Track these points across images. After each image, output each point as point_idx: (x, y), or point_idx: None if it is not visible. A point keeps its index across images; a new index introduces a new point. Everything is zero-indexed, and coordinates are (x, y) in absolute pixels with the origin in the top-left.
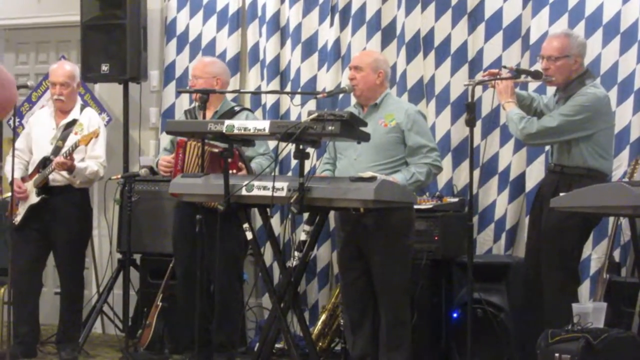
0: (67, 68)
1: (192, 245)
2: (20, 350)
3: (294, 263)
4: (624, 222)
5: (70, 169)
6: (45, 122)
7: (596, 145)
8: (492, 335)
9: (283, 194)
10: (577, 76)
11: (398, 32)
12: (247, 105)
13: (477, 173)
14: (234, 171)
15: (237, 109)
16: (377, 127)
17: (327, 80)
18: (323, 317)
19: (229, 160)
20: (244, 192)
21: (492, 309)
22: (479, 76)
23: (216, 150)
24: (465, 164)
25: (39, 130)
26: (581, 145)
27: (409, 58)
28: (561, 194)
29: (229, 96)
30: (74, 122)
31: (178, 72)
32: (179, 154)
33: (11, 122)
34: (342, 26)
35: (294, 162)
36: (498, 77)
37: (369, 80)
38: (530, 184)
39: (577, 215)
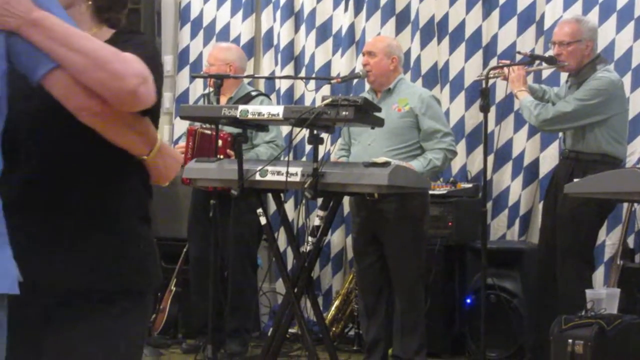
0: None
1: (206, 230)
2: None
3: (308, 248)
4: (639, 208)
5: None
6: None
7: (611, 130)
8: (506, 321)
9: (297, 179)
10: (589, 61)
11: (412, 17)
12: (261, 90)
13: (491, 159)
14: (221, 156)
15: (253, 93)
16: (391, 112)
17: (341, 66)
18: (337, 302)
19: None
20: (257, 177)
21: (505, 294)
22: (492, 65)
23: (208, 132)
24: (479, 150)
25: None
26: (596, 130)
27: (423, 43)
28: (575, 180)
29: (247, 81)
30: None
31: (192, 57)
32: (189, 142)
33: None
34: (357, 11)
35: (308, 147)
36: (511, 64)
37: (382, 65)
38: (544, 169)
39: (592, 202)
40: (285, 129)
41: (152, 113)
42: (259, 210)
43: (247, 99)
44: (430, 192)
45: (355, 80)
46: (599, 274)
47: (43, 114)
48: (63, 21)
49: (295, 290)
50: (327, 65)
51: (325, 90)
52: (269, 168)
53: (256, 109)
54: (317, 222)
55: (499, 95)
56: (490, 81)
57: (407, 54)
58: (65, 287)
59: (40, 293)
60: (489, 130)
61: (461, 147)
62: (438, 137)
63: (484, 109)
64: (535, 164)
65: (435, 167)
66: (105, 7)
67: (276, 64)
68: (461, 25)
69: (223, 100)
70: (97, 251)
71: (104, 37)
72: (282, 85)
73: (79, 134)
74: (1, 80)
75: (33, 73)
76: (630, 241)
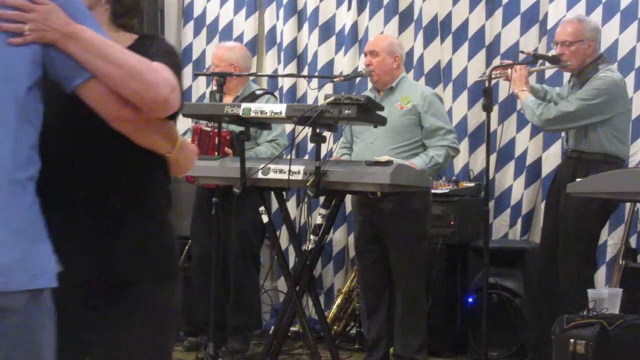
0: None
1: (209, 228)
2: None
3: (310, 246)
4: None
5: None
6: None
7: (614, 130)
8: (507, 321)
9: (299, 177)
10: (591, 61)
11: (415, 16)
12: (262, 87)
13: (493, 158)
14: (216, 154)
15: (259, 92)
16: (393, 109)
17: (344, 64)
18: (338, 300)
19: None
20: (260, 175)
21: (507, 294)
22: (495, 64)
23: (208, 129)
24: (482, 149)
25: None
26: (599, 130)
27: (426, 42)
28: (578, 180)
29: (252, 79)
30: None
31: (195, 55)
32: (194, 141)
33: None
34: (360, 10)
35: (310, 146)
36: (514, 63)
37: (385, 64)
38: (547, 169)
39: (595, 201)
40: (287, 127)
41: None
42: (261, 209)
43: (252, 97)
44: (433, 191)
45: (357, 79)
46: (601, 274)
47: (77, 118)
48: (98, 34)
49: (297, 288)
50: (330, 64)
51: (328, 88)
52: (272, 166)
53: (259, 107)
54: (319, 220)
55: (502, 94)
56: (493, 80)
57: (410, 52)
58: (107, 278)
59: (82, 285)
60: (492, 129)
61: (464, 146)
62: (440, 135)
63: (487, 108)
64: (538, 163)
65: (437, 164)
66: (122, 13)
67: (279, 62)
68: (464, 24)
69: (229, 99)
70: (136, 242)
71: (125, 42)
72: (285, 83)
73: (111, 136)
74: (37, 85)
75: (69, 82)
76: (633, 241)
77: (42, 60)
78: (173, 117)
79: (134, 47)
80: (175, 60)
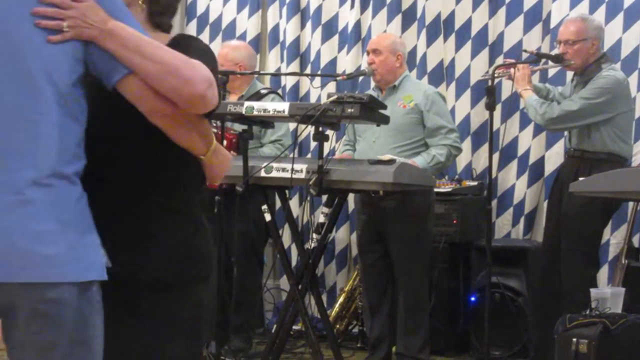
0: None
1: (212, 227)
2: None
3: (312, 245)
4: None
5: None
6: None
7: (617, 129)
8: (510, 320)
9: (302, 175)
10: (594, 60)
11: (418, 14)
12: (267, 86)
13: (496, 157)
14: None
15: (264, 91)
16: (396, 108)
17: (347, 63)
18: (341, 299)
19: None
20: (262, 173)
21: (510, 293)
22: (498, 63)
23: (214, 130)
24: (485, 148)
25: None
26: (602, 129)
27: (429, 41)
28: (581, 179)
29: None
30: None
31: None
32: None
33: None
34: (363, 8)
35: (313, 144)
36: (517, 62)
37: (388, 63)
38: (550, 168)
39: (598, 200)
40: (291, 126)
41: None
42: (264, 207)
43: (257, 96)
44: (435, 189)
45: (360, 78)
46: (603, 273)
47: (114, 115)
48: (135, 30)
49: (300, 287)
50: (333, 62)
51: (331, 87)
52: (274, 165)
53: (262, 106)
54: (321, 219)
55: (505, 93)
56: (496, 79)
57: (413, 51)
58: (148, 277)
59: (123, 283)
60: (495, 128)
61: (466, 145)
62: (442, 134)
63: (490, 107)
64: (541, 162)
65: (439, 162)
66: (158, 12)
67: (282, 61)
68: (467, 23)
69: (234, 98)
70: (175, 243)
71: (161, 41)
72: (288, 81)
73: (143, 136)
74: (80, 82)
75: (108, 78)
76: (635, 240)
77: (83, 57)
78: (209, 115)
79: (170, 46)
80: (210, 59)
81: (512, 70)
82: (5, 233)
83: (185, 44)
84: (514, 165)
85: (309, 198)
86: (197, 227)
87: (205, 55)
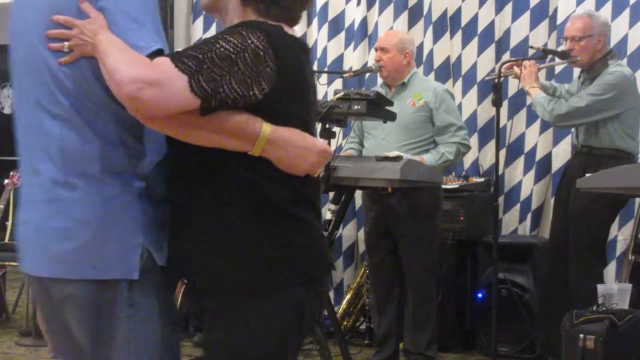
0: None
1: None
2: None
3: None
4: None
5: None
6: None
7: (624, 125)
8: (517, 316)
9: None
10: (601, 56)
11: (425, 11)
12: None
13: (503, 153)
14: None
15: None
16: (405, 106)
17: (353, 60)
18: (348, 296)
19: None
20: None
21: (517, 289)
22: (505, 62)
23: None
24: (492, 144)
25: None
26: (609, 125)
27: (436, 38)
28: (587, 175)
29: None
30: None
31: None
32: None
33: None
34: (369, 5)
35: None
36: (523, 58)
37: (396, 61)
38: (557, 164)
39: (605, 196)
40: None
41: (246, 106)
42: None
43: None
44: (442, 186)
45: (367, 74)
46: (610, 269)
47: None
48: (111, 38)
49: None
50: (339, 59)
51: (338, 84)
52: None
53: None
54: (328, 215)
55: (512, 89)
56: (503, 78)
57: (420, 48)
58: (223, 286)
59: (197, 289)
60: (501, 124)
61: (473, 142)
62: (452, 131)
63: (497, 104)
64: (548, 158)
65: (448, 160)
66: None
67: None
68: (474, 20)
69: None
70: (207, 244)
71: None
72: None
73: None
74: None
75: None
76: None
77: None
78: (206, 110)
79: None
80: (207, 47)
81: (516, 69)
82: (34, 230)
83: (225, 31)
84: (520, 162)
85: None
86: (286, 230)
87: (206, 44)
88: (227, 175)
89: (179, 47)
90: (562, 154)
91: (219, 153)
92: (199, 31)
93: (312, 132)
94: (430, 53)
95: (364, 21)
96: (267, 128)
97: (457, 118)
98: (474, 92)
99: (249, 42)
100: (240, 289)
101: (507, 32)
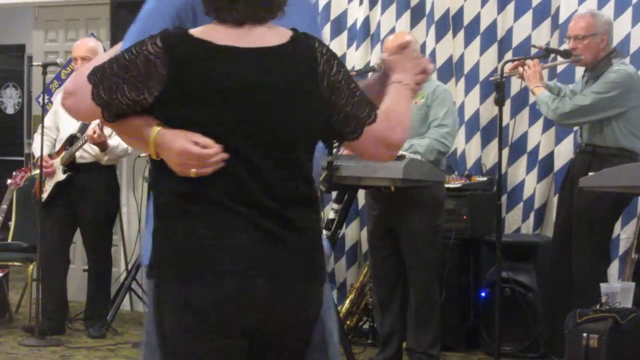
0: (89, 43)
1: None
2: (49, 326)
3: None
4: None
5: (104, 145)
6: None
7: (628, 124)
8: (520, 315)
9: None
10: (605, 55)
11: (427, 10)
12: None
13: (506, 152)
14: None
15: None
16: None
17: (356, 59)
18: (351, 295)
19: None
20: None
21: (520, 288)
22: (507, 63)
23: None
24: (494, 143)
25: None
26: (613, 124)
27: (438, 37)
28: (591, 174)
29: None
30: None
31: None
32: None
33: (40, 99)
34: (372, 4)
35: None
36: (526, 58)
37: None
38: (559, 163)
39: (608, 195)
40: None
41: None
42: None
43: None
44: (445, 185)
45: (370, 74)
46: (613, 268)
47: None
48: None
49: None
50: (342, 59)
51: None
52: None
53: None
54: (331, 215)
55: (514, 88)
56: (506, 78)
57: (422, 47)
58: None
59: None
60: (504, 123)
61: (476, 141)
62: (432, 126)
63: (499, 103)
64: (550, 157)
65: (417, 153)
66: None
67: None
68: (476, 19)
69: None
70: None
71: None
72: None
73: None
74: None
75: None
76: None
77: None
78: (110, 117)
79: None
80: (115, 57)
81: (520, 69)
82: None
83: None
84: (523, 161)
85: (318, 194)
86: (167, 226)
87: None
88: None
89: None
90: (564, 152)
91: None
92: None
93: (220, 137)
94: (433, 52)
95: (367, 20)
96: (154, 131)
97: (447, 117)
98: (476, 91)
99: (144, 48)
100: (150, 278)
101: (510, 32)
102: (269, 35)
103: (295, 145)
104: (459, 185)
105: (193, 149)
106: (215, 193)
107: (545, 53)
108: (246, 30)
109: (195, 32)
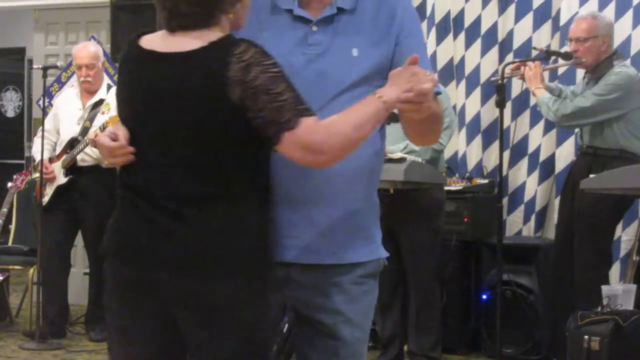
0: (90, 49)
1: None
2: (50, 330)
3: None
4: None
5: None
6: (72, 102)
7: (629, 125)
8: (522, 317)
9: None
10: (606, 57)
11: (428, 12)
12: None
13: (507, 154)
14: None
15: None
16: None
17: None
18: None
19: None
20: None
21: (521, 290)
22: (508, 65)
23: None
24: (495, 145)
25: (66, 111)
26: (614, 125)
27: (439, 39)
28: (592, 176)
29: None
30: (100, 102)
31: None
32: None
33: (40, 102)
34: None
35: None
36: (527, 59)
37: None
38: (561, 165)
39: (610, 197)
40: None
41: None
42: None
43: None
44: (446, 187)
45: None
46: (614, 270)
47: None
48: None
49: None
50: None
51: None
52: None
53: None
54: None
55: (515, 90)
56: (507, 79)
57: None
58: None
59: None
60: (505, 125)
61: (477, 143)
62: None
63: (500, 105)
64: (551, 159)
65: (413, 151)
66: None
67: None
68: (477, 21)
69: None
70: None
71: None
72: None
73: None
74: None
75: None
76: None
77: None
78: None
79: None
80: None
81: (521, 69)
82: None
83: None
84: (524, 163)
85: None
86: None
87: None
88: None
89: None
90: (565, 154)
91: None
92: None
93: (133, 134)
94: (434, 55)
95: None
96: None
97: (443, 115)
98: (477, 93)
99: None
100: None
101: (511, 34)
102: (192, 42)
103: (190, 144)
104: (460, 187)
105: (102, 141)
106: (129, 186)
107: (546, 55)
108: (173, 36)
109: (145, 37)
